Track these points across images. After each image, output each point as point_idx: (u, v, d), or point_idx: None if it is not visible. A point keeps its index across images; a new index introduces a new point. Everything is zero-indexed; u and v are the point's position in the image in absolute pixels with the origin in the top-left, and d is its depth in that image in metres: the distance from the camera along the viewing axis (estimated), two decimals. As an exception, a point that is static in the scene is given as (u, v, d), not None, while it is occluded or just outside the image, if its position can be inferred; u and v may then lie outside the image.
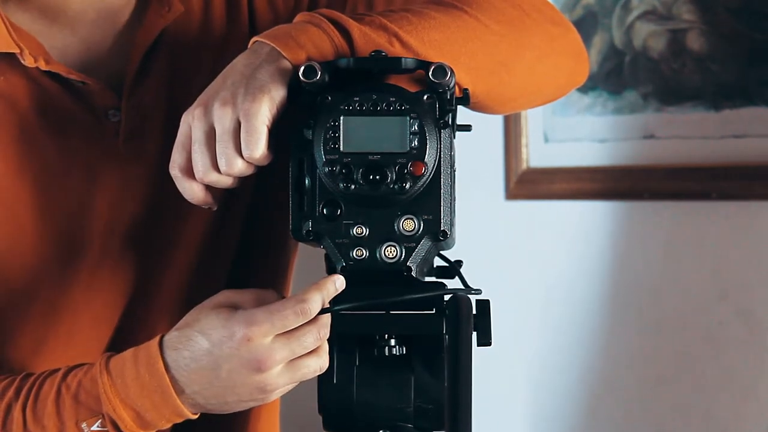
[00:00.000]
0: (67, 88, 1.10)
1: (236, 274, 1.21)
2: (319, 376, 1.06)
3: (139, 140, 1.13)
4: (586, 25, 2.10)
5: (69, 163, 1.12)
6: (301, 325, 1.01)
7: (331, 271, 1.06)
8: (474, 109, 1.14)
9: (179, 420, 1.05)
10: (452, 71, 1.03)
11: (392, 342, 1.06)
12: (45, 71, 1.09)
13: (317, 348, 1.02)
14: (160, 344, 1.03)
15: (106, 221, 1.14)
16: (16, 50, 1.07)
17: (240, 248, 1.21)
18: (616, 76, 2.07)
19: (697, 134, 1.99)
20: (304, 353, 1.02)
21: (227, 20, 1.17)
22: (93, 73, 1.12)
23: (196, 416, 1.05)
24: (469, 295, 1.04)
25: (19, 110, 1.10)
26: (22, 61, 1.07)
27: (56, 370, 1.07)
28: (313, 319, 1.01)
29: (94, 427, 1.04)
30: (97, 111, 1.12)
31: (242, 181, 1.04)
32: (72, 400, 1.04)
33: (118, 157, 1.13)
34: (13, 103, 1.10)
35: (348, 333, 1.06)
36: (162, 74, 1.14)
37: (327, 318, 1.02)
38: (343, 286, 1.02)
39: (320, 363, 1.03)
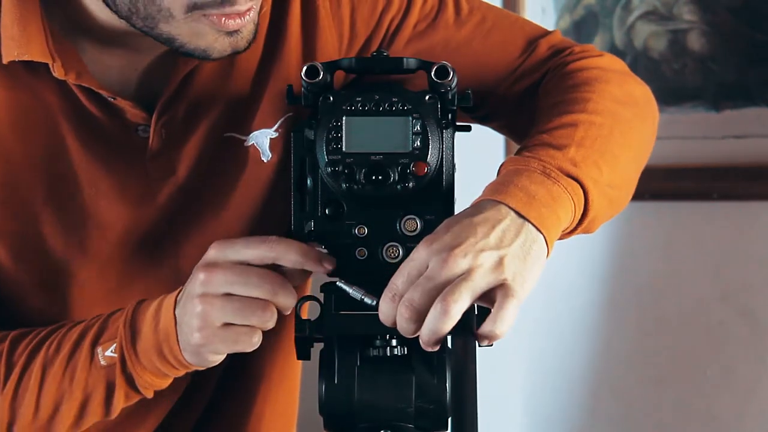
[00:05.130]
0: (99, 100, 1.11)
1: None
2: (320, 376, 1.05)
3: (164, 159, 1.14)
4: (586, 25, 2.10)
5: (95, 171, 1.13)
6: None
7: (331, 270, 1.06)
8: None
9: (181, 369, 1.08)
10: (454, 71, 1.03)
11: (393, 342, 1.06)
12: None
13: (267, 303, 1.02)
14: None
15: (126, 232, 1.15)
16: (49, 60, 1.07)
17: None
18: (617, 76, 2.07)
19: (698, 134, 1.99)
20: (244, 288, 1.02)
21: (264, 59, 1.17)
22: (126, 88, 1.13)
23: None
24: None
25: (52, 117, 1.11)
26: (53, 72, 1.08)
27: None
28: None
29: (107, 353, 1.07)
30: (127, 125, 1.13)
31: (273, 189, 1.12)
32: (98, 327, 1.09)
33: (143, 173, 1.14)
34: (47, 110, 1.11)
35: (349, 333, 1.06)
36: (194, 98, 1.14)
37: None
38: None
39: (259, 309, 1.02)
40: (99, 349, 1.07)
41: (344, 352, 1.06)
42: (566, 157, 1.04)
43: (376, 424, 1.05)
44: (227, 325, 1.03)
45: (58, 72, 1.08)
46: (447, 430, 1.06)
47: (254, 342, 1.04)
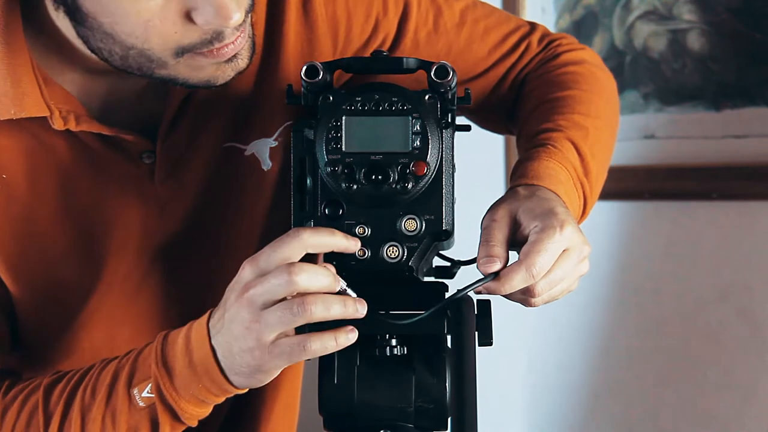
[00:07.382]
0: (100, 135, 1.11)
1: None
2: (320, 375, 1.06)
3: (173, 180, 1.15)
4: (586, 25, 2.10)
5: (107, 204, 1.14)
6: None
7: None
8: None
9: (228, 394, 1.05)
10: (453, 71, 1.03)
11: (393, 342, 1.06)
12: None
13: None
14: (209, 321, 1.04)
15: (146, 258, 1.16)
16: (46, 113, 1.07)
17: None
18: (617, 76, 2.05)
19: (698, 134, 1.99)
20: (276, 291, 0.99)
21: (262, 67, 1.17)
22: (125, 118, 1.13)
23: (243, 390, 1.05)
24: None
25: (58, 158, 1.11)
26: (52, 125, 1.08)
27: (115, 357, 1.10)
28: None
29: (144, 393, 1.05)
30: (131, 155, 1.13)
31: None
32: (129, 368, 1.06)
33: (154, 198, 1.14)
34: (52, 152, 1.11)
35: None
36: (195, 116, 1.14)
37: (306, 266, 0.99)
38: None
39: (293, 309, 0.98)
40: (135, 391, 1.06)
41: (344, 352, 1.06)
42: (584, 169, 1.19)
43: (376, 423, 1.05)
44: (278, 339, 1.00)
45: (57, 124, 1.08)
46: (447, 429, 1.06)
47: (312, 348, 1.00)
